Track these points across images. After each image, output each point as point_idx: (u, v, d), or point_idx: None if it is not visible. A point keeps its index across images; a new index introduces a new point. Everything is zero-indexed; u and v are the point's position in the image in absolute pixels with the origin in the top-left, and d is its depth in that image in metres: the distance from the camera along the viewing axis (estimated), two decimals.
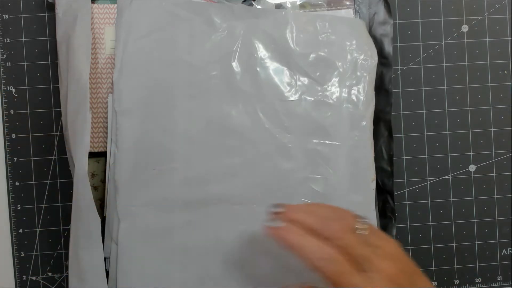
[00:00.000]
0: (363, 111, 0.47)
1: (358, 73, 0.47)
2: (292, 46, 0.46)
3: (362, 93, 0.47)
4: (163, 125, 0.45)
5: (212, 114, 0.46)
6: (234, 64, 0.46)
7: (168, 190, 0.45)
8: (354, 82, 0.47)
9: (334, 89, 0.47)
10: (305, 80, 0.46)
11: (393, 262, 0.33)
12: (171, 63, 0.46)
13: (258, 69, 0.46)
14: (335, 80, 0.47)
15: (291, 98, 0.46)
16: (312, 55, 0.46)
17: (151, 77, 0.45)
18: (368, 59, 0.47)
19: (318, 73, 0.46)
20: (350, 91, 0.47)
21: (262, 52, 0.46)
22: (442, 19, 0.51)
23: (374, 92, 0.47)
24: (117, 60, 0.45)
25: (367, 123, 0.47)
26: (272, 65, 0.46)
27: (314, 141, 0.46)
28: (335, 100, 0.46)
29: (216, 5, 0.47)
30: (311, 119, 0.46)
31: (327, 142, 0.46)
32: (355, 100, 0.46)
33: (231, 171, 0.46)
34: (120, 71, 0.45)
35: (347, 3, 0.49)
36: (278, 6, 0.49)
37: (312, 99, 0.46)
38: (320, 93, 0.46)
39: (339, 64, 0.47)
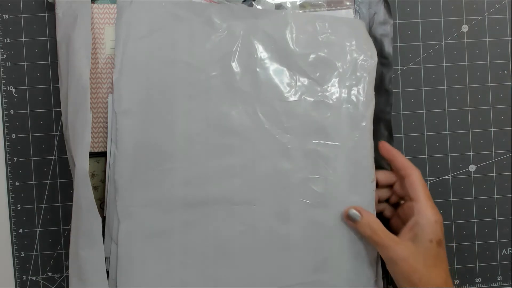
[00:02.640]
0: (363, 112, 0.46)
1: (358, 74, 0.47)
2: (292, 46, 0.46)
3: (362, 94, 0.46)
4: (163, 125, 0.45)
5: (212, 114, 0.46)
6: (234, 65, 0.46)
7: (167, 191, 0.45)
8: (354, 82, 0.47)
9: (334, 90, 0.46)
10: (305, 80, 0.46)
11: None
12: (171, 63, 0.46)
13: (258, 69, 0.46)
14: (335, 80, 0.46)
15: (291, 99, 0.46)
16: (312, 56, 0.46)
17: (151, 77, 0.45)
18: (368, 59, 0.47)
19: (318, 74, 0.46)
20: (350, 91, 0.46)
21: (262, 52, 0.46)
22: (442, 19, 0.51)
23: (374, 93, 0.47)
24: (117, 60, 0.45)
25: (367, 123, 0.46)
26: (272, 66, 0.46)
27: (314, 141, 0.46)
28: (335, 100, 0.46)
29: (215, 5, 0.46)
30: (311, 120, 0.46)
31: (327, 142, 0.46)
32: (355, 100, 0.46)
33: (231, 172, 0.46)
34: (120, 71, 0.45)
35: (347, 3, 0.49)
36: (278, 6, 0.49)
37: (312, 99, 0.46)
38: (320, 94, 0.46)
39: (339, 64, 0.47)
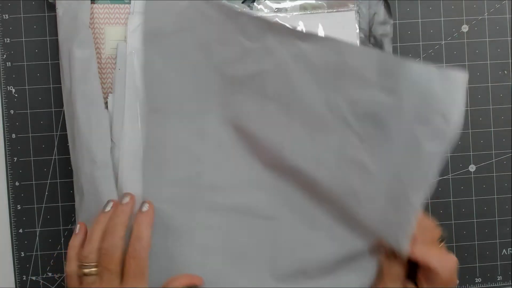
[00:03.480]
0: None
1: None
2: (336, 84, 0.41)
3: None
4: (194, 129, 0.44)
5: (243, 127, 0.44)
6: (268, 85, 0.43)
7: (193, 192, 0.44)
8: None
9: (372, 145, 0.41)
10: (342, 119, 0.42)
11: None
12: (203, 66, 0.44)
13: (293, 95, 0.42)
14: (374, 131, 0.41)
15: (325, 129, 0.42)
16: (359, 98, 0.41)
17: (185, 78, 0.44)
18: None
19: (360, 119, 0.41)
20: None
21: (300, 79, 0.42)
22: (442, 19, 0.51)
23: None
24: (147, 56, 0.44)
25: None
26: (308, 94, 0.42)
27: (344, 170, 0.42)
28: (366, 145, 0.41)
29: (250, 14, 0.43)
30: (342, 153, 0.42)
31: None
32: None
33: (258, 184, 0.44)
34: (151, 67, 0.44)
35: (350, 5, 0.49)
36: (279, 9, 0.48)
37: (346, 142, 0.42)
38: (357, 146, 0.42)
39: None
